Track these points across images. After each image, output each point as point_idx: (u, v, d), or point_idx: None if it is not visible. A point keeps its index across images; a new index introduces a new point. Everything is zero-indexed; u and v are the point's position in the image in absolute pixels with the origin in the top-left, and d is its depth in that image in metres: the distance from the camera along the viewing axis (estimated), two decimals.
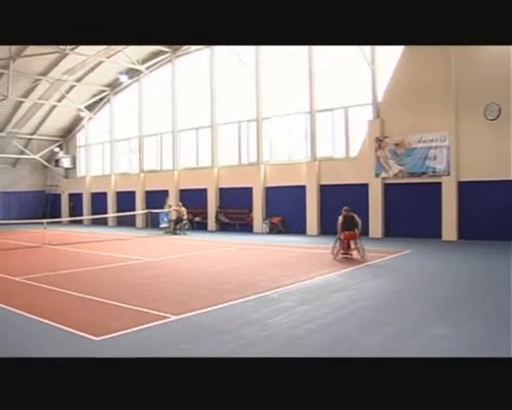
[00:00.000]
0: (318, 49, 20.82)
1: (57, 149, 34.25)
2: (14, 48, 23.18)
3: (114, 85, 30.26)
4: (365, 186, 19.71)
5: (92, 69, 27.51)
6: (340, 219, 13.76)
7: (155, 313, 7.62)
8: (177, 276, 11.26)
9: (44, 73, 26.74)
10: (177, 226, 23.41)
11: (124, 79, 28.06)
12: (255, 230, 23.19)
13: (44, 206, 35.28)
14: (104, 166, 32.22)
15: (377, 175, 19.41)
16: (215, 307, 7.96)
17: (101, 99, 31.11)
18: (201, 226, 25.29)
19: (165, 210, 24.96)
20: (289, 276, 10.85)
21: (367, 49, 19.08)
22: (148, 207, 27.67)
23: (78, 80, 28.41)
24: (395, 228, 18.94)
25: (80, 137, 34.04)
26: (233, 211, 24.48)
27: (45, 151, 33.88)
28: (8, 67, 24.45)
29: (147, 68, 27.27)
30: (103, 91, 30.63)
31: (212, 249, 16.93)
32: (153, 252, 16.10)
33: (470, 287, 9.75)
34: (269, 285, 9.73)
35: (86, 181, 33.11)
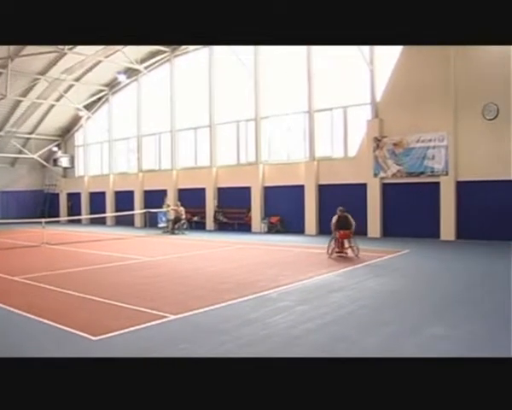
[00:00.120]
0: (317, 49, 20.81)
1: (55, 149, 34.25)
2: (12, 47, 23.15)
3: (113, 85, 30.23)
4: (364, 186, 19.72)
5: (91, 69, 27.49)
6: (334, 218, 14.08)
7: (154, 312, 7.62)
8: (176, 275, 11.26)
9: (43, 73, 26.72)
10: (175, 226, 23.39)
11: (122, 78, 28.03)
12: (254, 229, 23.19)
13: (43, 205, 35.24)
14: (102, 165, 32.19)
15: (375, 175, 19.42)
16: (213, 307, 7.96)
17: (99, 98, 31.08)
18: (200, 226, 25.29)
19: (164, 210, 24.94)
20: (288, 275, 10.85)
21: (366, 48, 19.08)
22: (146, 207, 27.67)
23: (77, 80, 28.37)
24: (393, 228, 18.96)
25: (79, 137, 34.01)
26: (231, 210, 24.48)
27: (44, 150, 33.85)
28: (6, 66, 24.43)
29: (145, 68, 27.27)
30: (102, 91, 30.60)
31: (211, 249, 16.93)
32: (151, 252, 16.09)
33: (469, 287, 9.76)
34: (267, 285, 9.73)
35: (84, 181, 33.08)
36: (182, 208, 23.81)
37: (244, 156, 24.23)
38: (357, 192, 19.59)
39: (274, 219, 22.58)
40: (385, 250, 14.94)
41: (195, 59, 25.92)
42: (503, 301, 7.92)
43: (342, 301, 8.32)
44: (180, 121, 26.81)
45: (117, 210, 29.65)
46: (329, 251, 13.87)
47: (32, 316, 7.48)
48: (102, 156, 32.22)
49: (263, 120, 23.19)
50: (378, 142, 19.26)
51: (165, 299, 8.71)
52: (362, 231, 18.85)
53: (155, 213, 26.17)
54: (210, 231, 24.63)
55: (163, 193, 26.39)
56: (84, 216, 30.93)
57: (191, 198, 25.45)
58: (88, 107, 31.20)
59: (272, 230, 22.41)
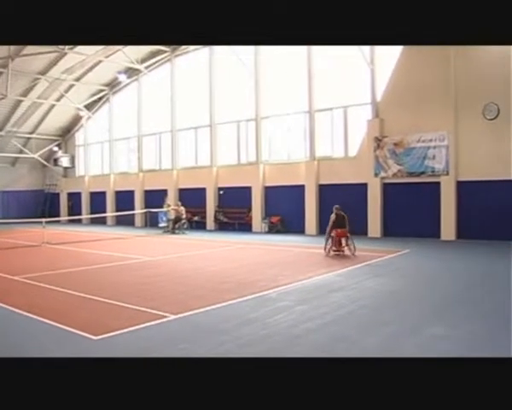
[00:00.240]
0: (317, 49, 20.81)
1: (56, 149, 34.25)
2: (12, 47, 23.15)
3: (113, 85, 30.23)
4: (364, 186, 19.72)
5: (91, 68, 27.48)
6: (333, 217, 14.16)
7: (154, 312, 7.62)
8: (176, 275, 11.27)
9: (43, 72, 26.72)
10: (175, 226, 23.40)
11: (123, 78, 28.03)
12: (254, 229, 23.19)
13: (43, 205, 35.24)
14: (103, 165, 32.20)
15: (376, 175, 19.41)
16: (214, 307, 7.96)
17: (100, 98, 31.09)
18: (200, 226, 25.30)
19: (164, 209, 24.95)
20: (288, 275, 10.85)
21: (366, 48, 19.07)
22: (146, 207, 27.67)
23: (77, 79, 28.37)
24: (394, 228, 18.95)
25: (79, 137, 34.02)
26: (232, 210, 24.48)
27: (44, 150, 33.86)
28: (6, 66, 24.43)
29: (146, 68, 27.26)
30: (102, 91, 30.60)
31: (211, 249, 16.93)
32: (152, 251, 16.10)
33: (469, 287, 9.75)
34: (267, 285, 9.74)
35: (85, 180, 33.09)
36: (182, 208, 23.81)
37: (244, 156, 24.23)
38: (358, 192, 19.59)
39: (274, 219, 22.59)
40: (385, 250, 14.94)
41: (196, 59, 25.92)
42: (503, 301, 7.92)
43: (342, 301, 8.32)
44: (180, 121, 26.81)
45: (117, 210, 29.65)
46: (327, 250, 13.98)
47: (33, 316, 7.49)
48: (103, 156, 32.22)
49: (263, 119, 23.19)
50: (378, 142, 19.25)
51: (165, 299, 8.71)
52: (362, 230, 18.92)
53: (156, 212, 26.17)
54: (210, 230, 24.63)
55: (163, 193, 26.40)
56: (85, 216, 30.94)
57: (191, 198, 25.46)
58: (88, 107, 31.20)
59: (273, 230, 22.41)
